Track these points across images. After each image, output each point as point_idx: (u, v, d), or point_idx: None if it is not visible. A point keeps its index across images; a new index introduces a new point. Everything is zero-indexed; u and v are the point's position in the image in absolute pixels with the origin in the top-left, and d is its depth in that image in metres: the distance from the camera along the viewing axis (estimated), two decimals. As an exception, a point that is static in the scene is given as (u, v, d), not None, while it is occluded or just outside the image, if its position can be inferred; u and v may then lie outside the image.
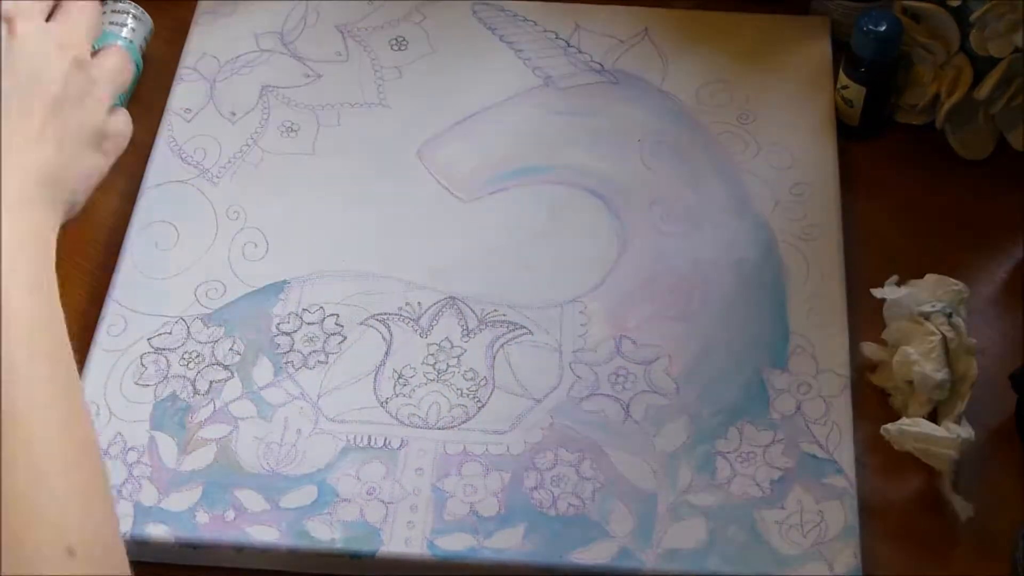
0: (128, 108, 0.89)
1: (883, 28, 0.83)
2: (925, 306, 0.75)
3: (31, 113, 0.70)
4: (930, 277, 0.75)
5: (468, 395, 0.76)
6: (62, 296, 0.80)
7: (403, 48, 0.92)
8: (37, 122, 0.70)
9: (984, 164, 0.87)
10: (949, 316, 0.74)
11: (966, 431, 0.72)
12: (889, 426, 0.73)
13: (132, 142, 0.87)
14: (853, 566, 0.70)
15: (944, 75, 0.85)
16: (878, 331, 0.78)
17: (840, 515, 0.71)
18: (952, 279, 0.75)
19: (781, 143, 0.86)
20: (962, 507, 0.71)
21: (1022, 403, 0.75)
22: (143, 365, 0.78)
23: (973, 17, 0.81)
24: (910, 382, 0.75)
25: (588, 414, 0.75)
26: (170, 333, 0.79)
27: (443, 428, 0.75)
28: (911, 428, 0.72)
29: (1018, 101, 0.84)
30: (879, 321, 0.78)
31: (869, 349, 0.78)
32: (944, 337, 0.74)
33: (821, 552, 0.70)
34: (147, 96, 0.91)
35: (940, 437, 0.71)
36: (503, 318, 0.79)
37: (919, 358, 0.73)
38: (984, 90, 0.83)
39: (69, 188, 0.72)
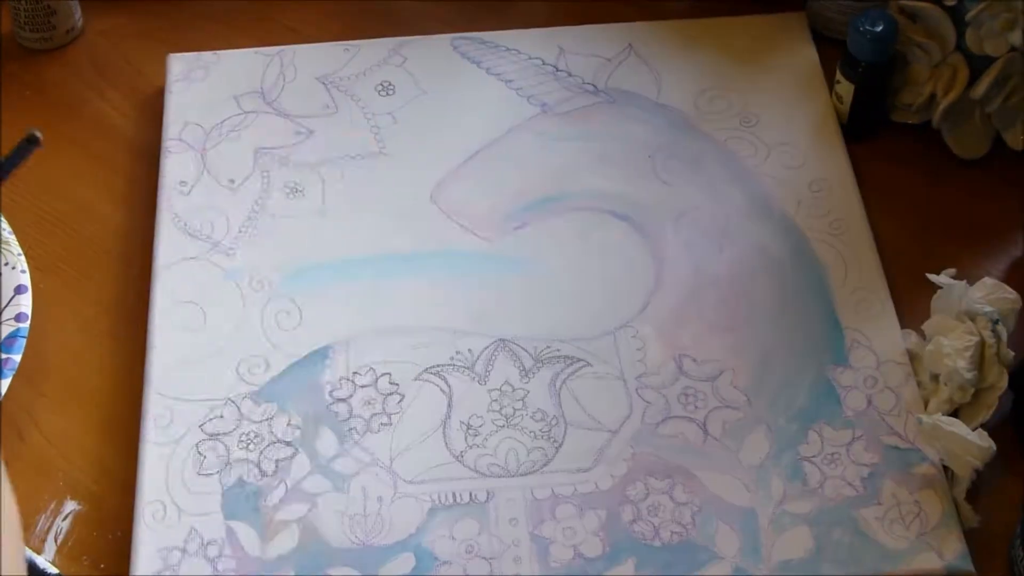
0: (112, 185, 0.87)
1: (879, 28, 0.83)
2: (974, 306, 0.75)
3: None
4: (987, 280, 0.76)
5: (542, 436, 0.75)
6: (89, 388, 0.78)
7: (391, 93, 0.90)
8: None
9: (980, 163, 0.88)
10: (995, 323, 0.75)
11: (988, 442, 0.72)
12: (924, 417, 0.74)
13: (130, 218, 0.85)
14: (961, 551, 0.71)
15: (940, 74, 0.86)
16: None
17: (936, 503, 0.72)
18: (1009, 288, 0.75)
19: (788, 142, 0.87)
20: (970, 516, 0.72)
21: (1019, 403, 0.76)
22: (201, 454, 0.75)
23: (969, 16, 0.82)
24: (936, 378, 0.75)
25: (667, 439, 0.75)
26: (221, 416, 0.76)
27: (525, 474, 0.74)
28: (947, 427, 0.72)
29: (1014, 100, 0.85)
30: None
31: (909, 339, 0.78)
32: (983, 341, 0.74)
33: (928, 542, 0.71)
34: (130, 171, 0.89)
35: (973, 443, 0.71)
36: (558, 353, 0.78)
37: (952, 352, 0.74)
38: (980, 89, 0.84)
39: None
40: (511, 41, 0.92)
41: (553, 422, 0.75)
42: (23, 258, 0.80)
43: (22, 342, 0.76)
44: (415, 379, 0.77)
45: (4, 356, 0.75)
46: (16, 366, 0.75)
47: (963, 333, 0.75)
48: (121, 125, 0.91)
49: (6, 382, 0.74)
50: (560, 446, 0.75)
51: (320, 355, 0.78)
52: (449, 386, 0.77)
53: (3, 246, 0.80)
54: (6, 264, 0.79)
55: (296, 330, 0.79)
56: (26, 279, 0.78)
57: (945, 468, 0.73)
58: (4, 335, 0.76)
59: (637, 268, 0.81)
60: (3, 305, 0.77)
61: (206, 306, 0.80)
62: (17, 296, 0.78)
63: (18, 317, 0.77)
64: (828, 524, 0.72)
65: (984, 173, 0.88)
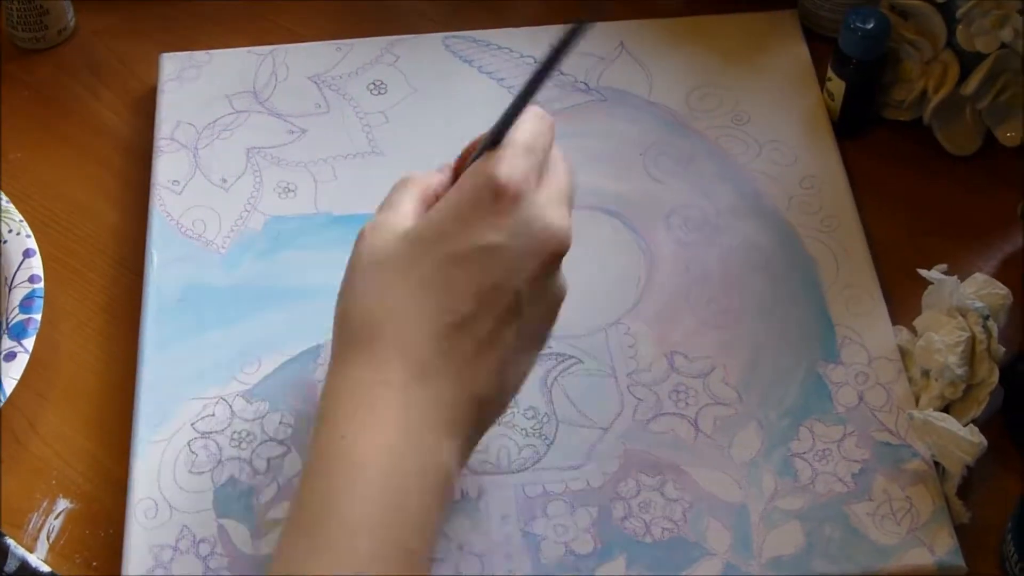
0: (105, 184, 0.87)
1: (870, 25, 0.83)
2: (965, 302, 0.75)
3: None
4: (978, 275, 0.76)
5: (534, 434, 0.75)
6: (81, 386, 0.79)
7: (383, 92, 0.90)
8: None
9: (972, 159, 0.88)
10: (986, 318, 0.75)
11: (979, 438, 0.72)
12: (915, 412, 0.74)
13: (123, 217, 0.85)
14: (952, 547, 0.71)
15: (931, 71, 0.86)
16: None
17: (927, 498, 0.72)
18: (1000, 283, 0.75)
19: (780, 139, 0.87)
20: (960, 511, 0.72)
21: (1010, 398, 0.76)
22: (193, 452, 0.75)
23: (960, 13, 0.82)
24: (927, 374, 0.76)
25: (658, 435, 0.75)
26: (213, 415, 0.76)
27: (517, 471, 0.74)
28: (938, 422, 0.72)
29: (1005, 96, 0.85)
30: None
31: (900, 335, 0.78)
32: (974, 336, 0.74)
33: (919, 538, 0.71)
34: (123, 171, 0.89)
35: (964, 439, 0.71)
36: (549, 350, 0.78)
37: (943, 348, 0.74)
38: (971, 86, 0.84)
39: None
40: (503, 40, 0.92)
41: (544, 419, 0.75)
42: (25, 223, 0.81)
43: (39, 302, 0.77)
44: (407, 377, 0.77)
45: (26, 316, 0.76)
46: (39, 325, 0.76)
47: (954, 329, 0.75)
48: (114, 124, 0.91)
49: (31, 340, 0.76)
50: (551, 443, 0.75)
51: (312, 353, 0.78)
52: (441, 384, 0.77)
53: (3, 215, 0.81)
54: (9, 231, 0.80)
55: (288, 329, 0.79)
56: (32, 243, 0.80)
57: (936, 464, 0.73)
58: (22, 297, 0.77)
59: (628, 265, 0.82)
60: (15, 269, 0.79)
61: (198, 305, 0.80)
62: (27, 259, 0.79)
63: (31, 279, 0.79)
64: (819, 520, 0.72)
65: (975, 169, 0.88)
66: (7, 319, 0.77)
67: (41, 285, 0.78)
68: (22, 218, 0.81)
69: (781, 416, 0.75)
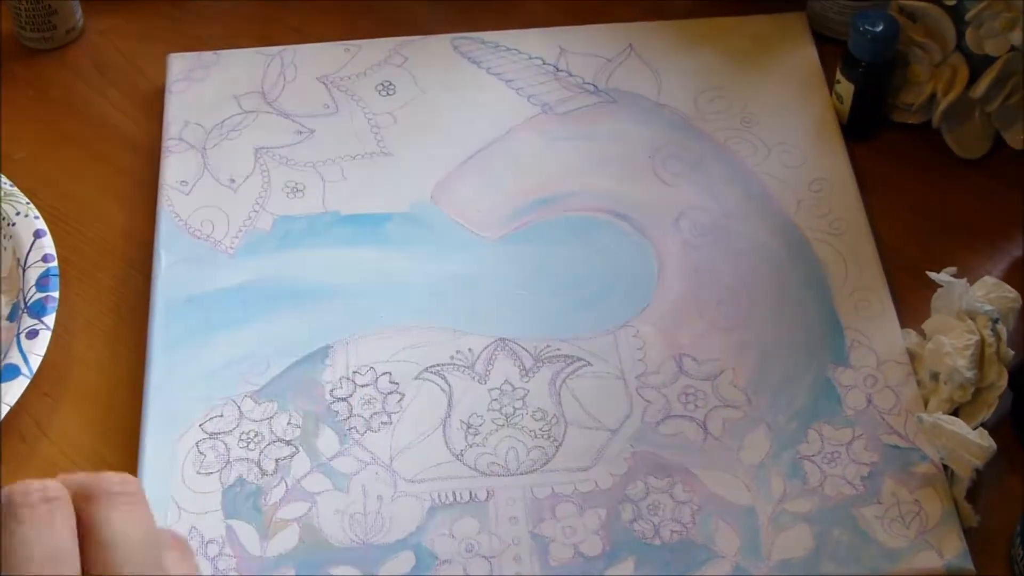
0: (113, 184, 0.87)
1: (879, 28, 0.83)
2: (975, 305, 0.75)
3: None
4: (987, 279, 0.76)
5: (542, 435, 0.75)
6: (89, 387, 0.78)
7: (391, 93, 0.90)
8: None
9: (980, 163, 0.88)
10: (995, 321, 0.75)
11: (988, 442, 0.72)
12: (925, 415, 0.74)
13: (132, 217, 0.85)
14: (961, 550, 0.70)
15: (940, 74, 0.86)
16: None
17: (936, 502, 0.72)
18: (1009, 286, 0.75)
19: (788, 142, 0.87)
20: (969, 515, 0.72)
21: (1018, 401, 0.76)
22: (201, 452, 0.75)
23: (969, 16, 0.82)
24: (936, 377, 0.75)
25: (667, 437, 0.75)
26: (221, 415, 0.76)
27: (526, 473, 0.74)
28: (948, 425, 0.72)
29: (1014, 99, 0.85)
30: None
31: (909, 338, 0.78)
32: (983, 340, 0.74)
33: (928, 541, 0.71)
34: (131, 171, 0.89)
35: (974, 443, 0.71)
36: (558, 352, 0.78)
37: (952, 351, 0.74)
38: (980, 89, 0.84)
39: None
40: (512, 41, 0.92)
41: (553, 421, 0.75)
42: (32, 206, 0.82)
43: (55, 280, 0.79)
44: (415, 378, 0.77)
45: (43, 294, 0.78)
46: (57, 302, 0.78)
47: (963, 332, 0.75)
48: (122, 124, 0.91)
49: (51, 317, 0.77)
50: (560, 445, 0.75)
51: (320, 354, 0.78)
52: (449, 385, 0.77)
53: (9, 198, 0.82)
54: (17, 214, 0.82)
55: (296, 330, 0.79)
56: (41, 224, 0.81)
57: (945, 467, 0.73)
58: (38, 276, 0.79)
59: (637, 268, 0.82)
60: (27, 250, 0.80)
61: (207, 305, 0.80)
62: (38, 239, 0.81)
63: (45, 258, 0.80)
64: (828, 523, 0.71)
65: (984, 173, 0.88)
66: (25, 298, 0.78)
67: (55, 264, 0.80)
68: (28, 200, 0.82)
69: (790, 419, 0.75)
